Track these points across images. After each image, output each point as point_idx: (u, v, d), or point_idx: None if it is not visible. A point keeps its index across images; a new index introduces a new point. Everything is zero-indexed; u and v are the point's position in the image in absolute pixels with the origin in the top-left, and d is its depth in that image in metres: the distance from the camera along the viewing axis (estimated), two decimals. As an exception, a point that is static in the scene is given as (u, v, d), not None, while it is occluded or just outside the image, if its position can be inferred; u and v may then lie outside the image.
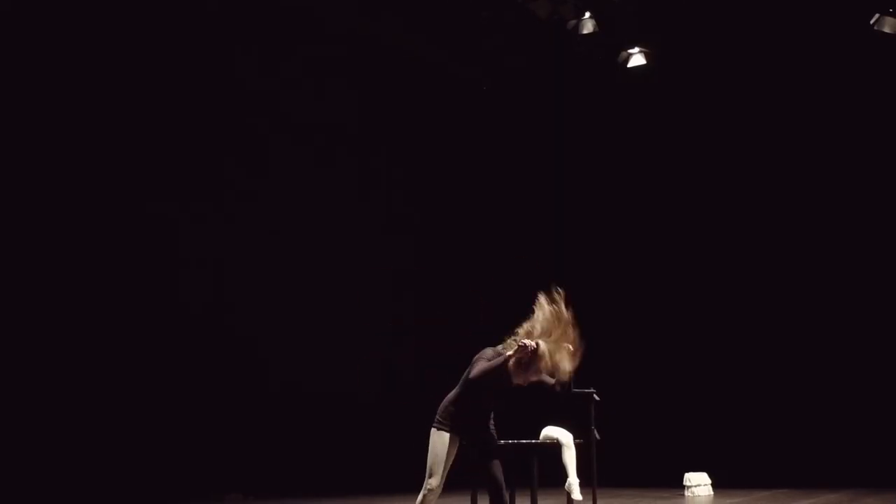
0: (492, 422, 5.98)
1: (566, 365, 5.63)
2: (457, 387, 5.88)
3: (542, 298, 5.72)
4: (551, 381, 5.82)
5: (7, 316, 10.65)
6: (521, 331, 5.72)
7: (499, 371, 5.66)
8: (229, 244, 12.83)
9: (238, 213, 13.00)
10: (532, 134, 16.33)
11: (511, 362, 5.63)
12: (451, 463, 5.81)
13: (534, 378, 5.71)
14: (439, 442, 5.75)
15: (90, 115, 11.52)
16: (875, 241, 14.16)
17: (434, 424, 5.82)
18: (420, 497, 5.79)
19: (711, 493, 12.18)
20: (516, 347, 5.60)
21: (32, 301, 10.88)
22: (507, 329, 5.88)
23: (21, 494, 10.28)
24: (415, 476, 5.95)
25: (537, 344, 5.55)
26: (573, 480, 9.44)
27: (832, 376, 14.02)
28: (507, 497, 5.74)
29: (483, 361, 5.70)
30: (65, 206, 11.25)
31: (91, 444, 11.02)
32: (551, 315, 5.67)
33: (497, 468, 5.78)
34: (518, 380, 5.71)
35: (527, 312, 5.79)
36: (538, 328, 5.66)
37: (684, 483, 12.21)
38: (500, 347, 5.78)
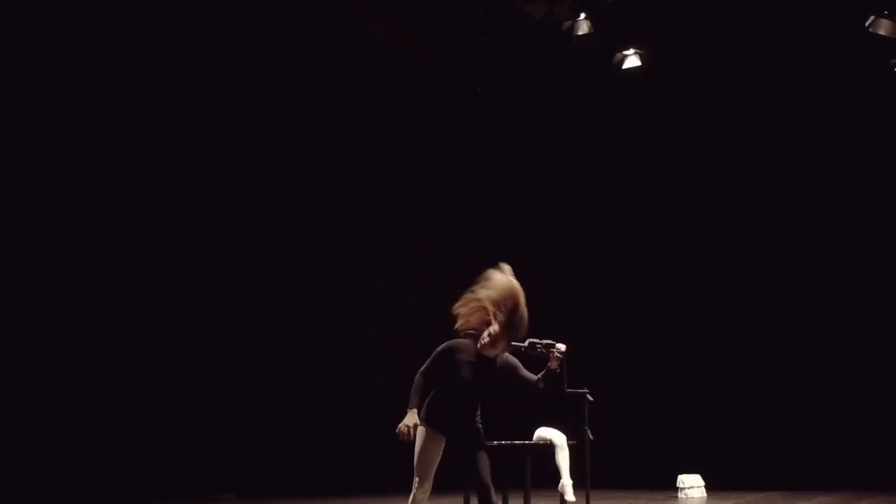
0: (479, 420, 5.95)
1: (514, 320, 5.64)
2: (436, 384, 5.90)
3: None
4: (533, 377, 5.82)
5: (7, 317, 10.70)
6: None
7: (454, 357, 5.69)
8: (228, 244, 12.82)
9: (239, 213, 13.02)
10: (528, 135, 16.33)
11: (483, 339, 5.64)
12: (437, 460, 5.79)
13: (511, 342, 5.73)
14: (419, 439, 5.75)
15: (89, 113, 11.56)
16: (870, 242, 14.19)
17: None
18: (410, 498, 5.78)
19: (705, 495, 12.21)
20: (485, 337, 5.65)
21: (32, 302, 10.95)
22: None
23: (20, 494, 10.30)
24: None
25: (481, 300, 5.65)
26: (566, 481, 9.45)
27: (826, 378, 14.05)
28: (495, 498, 5.72)
29: (438, 348, 5.81)
30: (64, 206, 11.30)
31: (87, 446, 11.06)
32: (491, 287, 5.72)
33: (484, 469, 5.73)
34: (493, 350, 5.71)
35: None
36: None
37: (677, 485, 12.22)
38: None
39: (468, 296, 5.77)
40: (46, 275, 11.10)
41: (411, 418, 5.62)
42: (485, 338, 5.66)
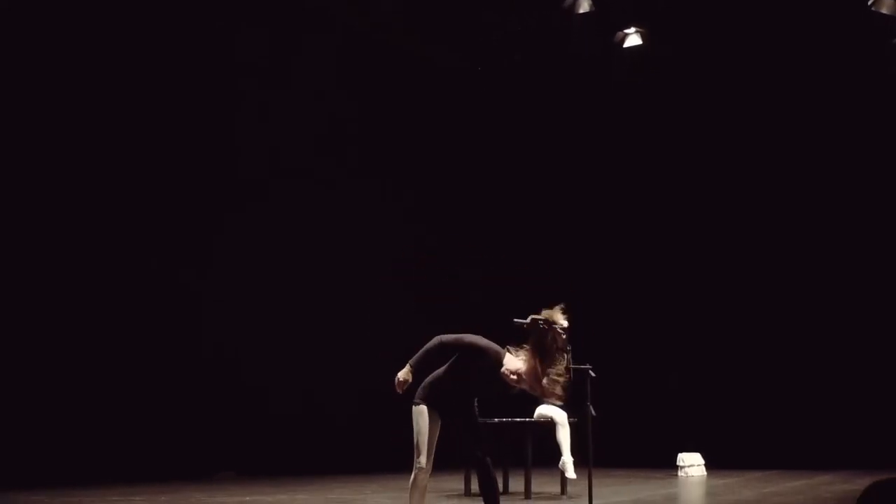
0: (476, 404, 5.95)
1: (555, 391, 5.66)
2: (445, 365, 5.92)
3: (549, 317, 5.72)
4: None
5: (11, 318, 10.79)
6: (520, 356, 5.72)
7: (479, 361, 5.70)
8: (228, 244, 12.88)
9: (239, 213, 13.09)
10: (528, 135, 16.42)
11: (510, 377, 5.68)
12: (435, 438, 5.79)
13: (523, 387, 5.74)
14: (419, 417, 5.76)
15: (90, 113, 11.67)
16: (866, 232, 14.29)
17: (413, 401, 5.84)
18: (412, 476, 5.79)
19: (705, 473, 12.23)
20: (511, 376, 5.66)
21: (34, 303, 11.05)
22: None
23: (22, 470, 10.34)
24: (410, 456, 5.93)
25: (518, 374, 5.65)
26: (567, 459, 9.44)
27: (826, 358, 14.12)
28: (495, 476, 5.73)
29: (470, 337, 5.76)
30: (66, 206, 11.40)
31: (89, 425, 11.14)
32: (549, 342, 5.66)
33: (481, 448, 5.75)
34: (510, 383, 5.73)
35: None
36: (533, 352, 5.67)
37: (678, 463, 12.23)
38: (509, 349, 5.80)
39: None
40: (48, 275, 11.17)
41: (406, 374, 5.68)
42: (512, 377, 5.66)
